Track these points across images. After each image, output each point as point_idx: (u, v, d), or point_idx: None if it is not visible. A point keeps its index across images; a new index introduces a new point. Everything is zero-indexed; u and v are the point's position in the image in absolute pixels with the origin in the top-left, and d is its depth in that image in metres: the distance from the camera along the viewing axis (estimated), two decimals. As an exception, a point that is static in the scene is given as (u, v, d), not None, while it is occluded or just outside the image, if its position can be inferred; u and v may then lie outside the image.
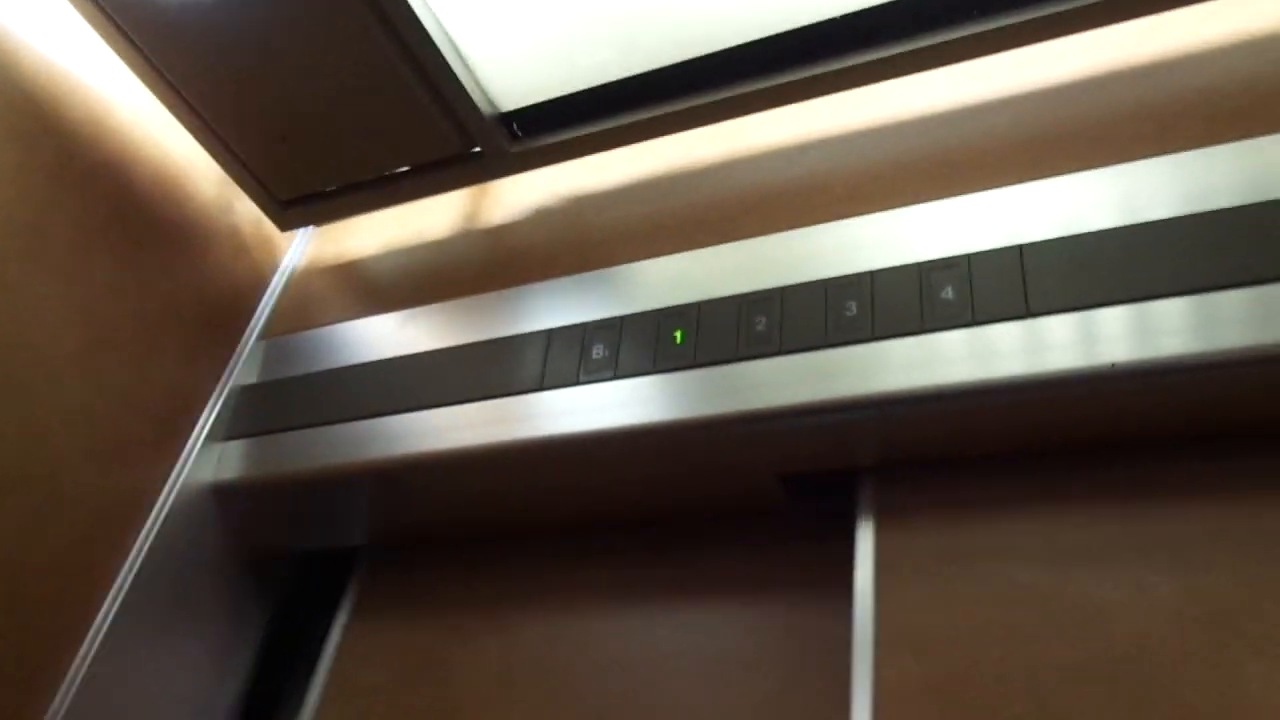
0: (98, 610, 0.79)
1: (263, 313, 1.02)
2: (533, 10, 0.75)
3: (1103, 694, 0.56)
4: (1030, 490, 0.66)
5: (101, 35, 0.82)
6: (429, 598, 0.95)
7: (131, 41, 0.82)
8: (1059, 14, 0.68)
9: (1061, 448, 0.67)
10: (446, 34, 0.77)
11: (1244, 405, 0.61)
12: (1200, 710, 0.52)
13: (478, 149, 0.85)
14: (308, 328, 0.98)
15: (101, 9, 0.79)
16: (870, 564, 0.67)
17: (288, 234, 1.07)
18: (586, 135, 0.82)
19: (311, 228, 1.10)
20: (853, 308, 0.67)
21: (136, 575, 0.82)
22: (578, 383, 0.76)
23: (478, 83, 0.81)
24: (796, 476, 0.76)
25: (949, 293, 0.65)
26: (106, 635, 0.79)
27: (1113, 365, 0.57)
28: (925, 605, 0.63)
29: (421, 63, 0.78)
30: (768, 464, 0.74)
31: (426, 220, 1.02)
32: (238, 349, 0.98)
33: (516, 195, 0.97)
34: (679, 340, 0.73)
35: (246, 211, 1.00)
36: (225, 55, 0.81)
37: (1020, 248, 0.64)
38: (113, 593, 0.80)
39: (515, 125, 0.84)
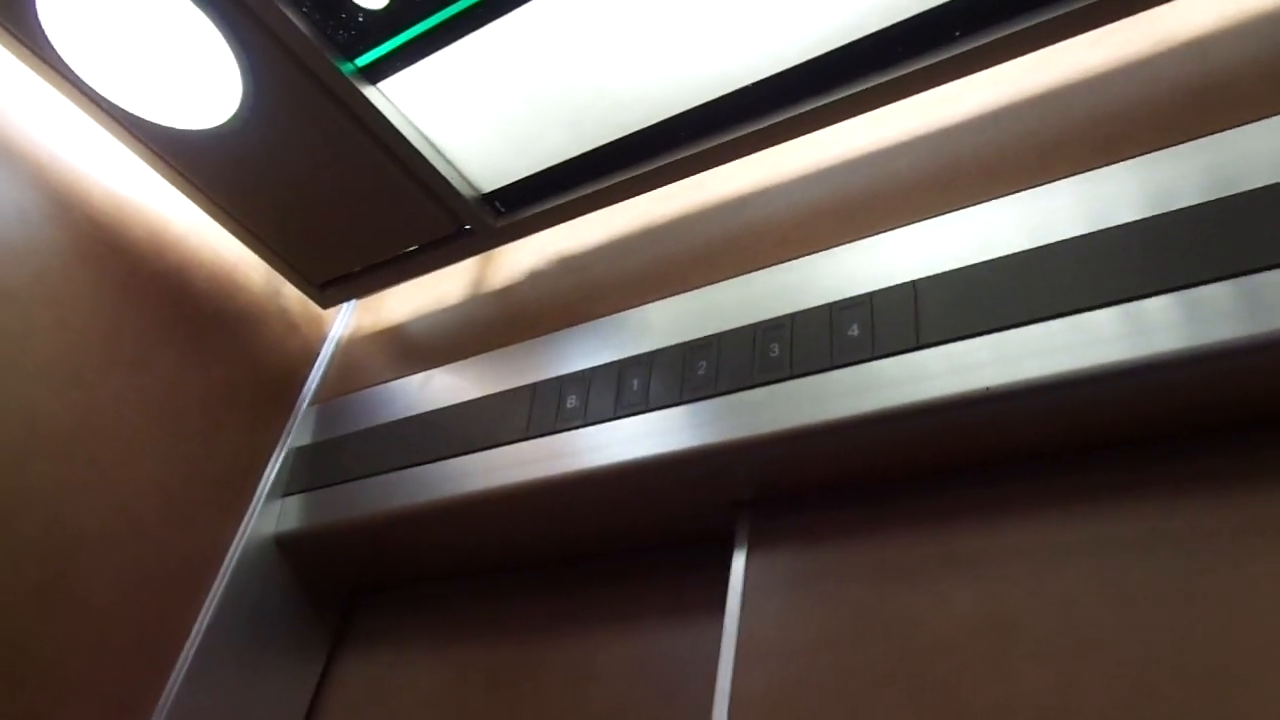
0: (180, 649, 0.94)
1: (314, 380, 1.16)
2: (495, 108, 0.86)
3: (902, 696, 0.60)
4: (870, 514, 0.71)
5: (152, 166, 0.97)
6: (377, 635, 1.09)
7: (176, 169, 0.97)
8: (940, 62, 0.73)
9: (906, 472, 0.71)
10: (425, 136, 0.89)
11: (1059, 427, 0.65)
12: (974, 707, 0.56)
13: (468, 226, 0.97)
14: (351, 391, 1.12)
15: (148, 146, 0.95)
16: (740, 587, 0.73)
17: (334, 310, 1.21)
18: (556, 206, 0.92)
19: (355, 302, 1.25)
20: (775, 349, 0.74)
21: (213, 619, 0.96)
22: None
23: (458, 172, 0.92)
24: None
25: (855, 330, 0.71)
26: (189, 671, 0.93)
27: (987, 389, 0.63)
28: (778, 622, 0.69)
29: (406, 162, 0.90)
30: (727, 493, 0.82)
31: (446, 287, 1.14)
32: (292, 415, 1.12)
33: (517, 259, 1.08)
34: (634, 388, 0.82)
35: (294, 295, 1.15)
36: (250, 172, 0.95)
37: (914, 283, 0.70)
38: (193, 634, 0.95)
39: (498, 203, 0.95)
